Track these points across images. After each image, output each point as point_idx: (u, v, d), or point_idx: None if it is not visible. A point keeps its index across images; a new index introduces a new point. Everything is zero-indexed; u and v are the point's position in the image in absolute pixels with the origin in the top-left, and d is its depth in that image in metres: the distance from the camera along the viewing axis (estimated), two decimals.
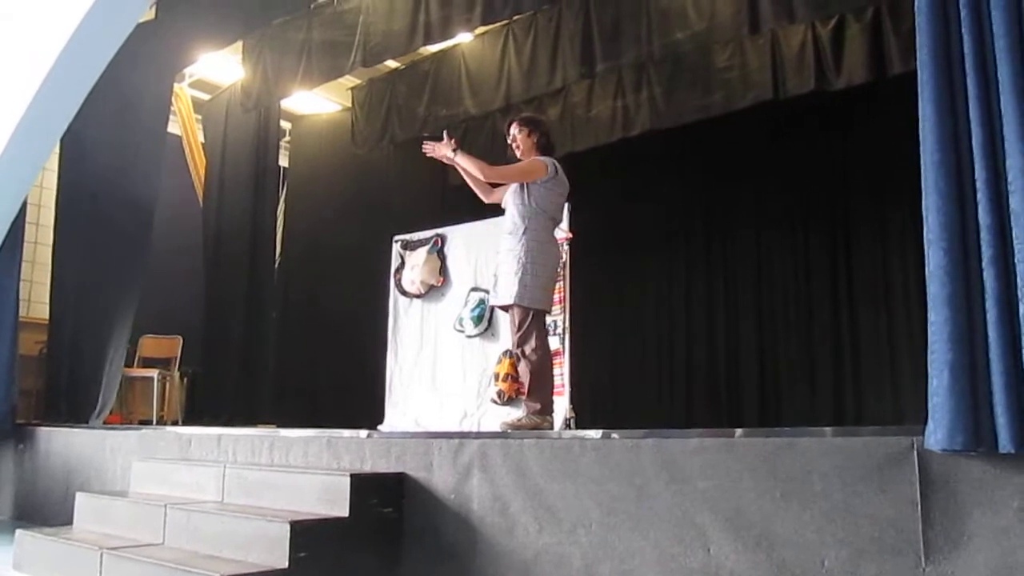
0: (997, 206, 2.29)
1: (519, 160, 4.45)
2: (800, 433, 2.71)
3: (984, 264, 2.29)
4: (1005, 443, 2.19)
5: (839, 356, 7.75)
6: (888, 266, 7.55)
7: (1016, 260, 2.23)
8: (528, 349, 4.19)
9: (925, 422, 2.35)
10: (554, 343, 4.88)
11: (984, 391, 2.26)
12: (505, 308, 4.38)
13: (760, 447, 2.69)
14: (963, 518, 2.29)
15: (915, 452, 2.38)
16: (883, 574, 2.38)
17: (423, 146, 4.46)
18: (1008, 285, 2.25)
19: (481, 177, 4.39)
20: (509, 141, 4.52)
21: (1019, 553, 2.19)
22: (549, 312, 4.51)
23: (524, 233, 4.23)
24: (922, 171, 2.43)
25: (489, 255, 5.33)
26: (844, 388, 7.68)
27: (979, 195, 2.32)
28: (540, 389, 4.24)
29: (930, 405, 2.33)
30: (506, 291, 4.23)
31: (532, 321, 4.20)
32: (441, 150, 4.38)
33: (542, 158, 4.37)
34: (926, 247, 2.40)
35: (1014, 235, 2.24)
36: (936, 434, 2.29)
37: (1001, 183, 2.29)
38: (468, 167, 4.37)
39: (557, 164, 4.39)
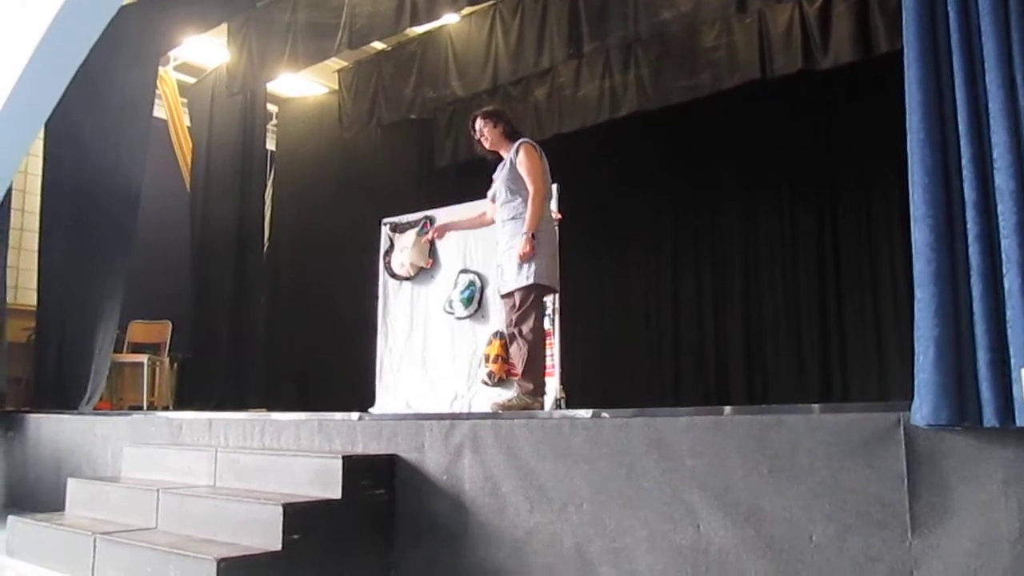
0: (982, 183, 2.30)
1: (486, 151, 4.66)
2: (788, 410, 2.73)
3: (970, 241, 2.30)
4: (990, 418, 2.22)
5: (826, 333, 7.81)
6: (875, 244, 7.59)
7: (1001, 236, 2.24)
8: (526, 329, 4.26)
9: (911, 398, 2.37)
10: (545, 324, 4.91)
11: (969, 366, 2.27)
12: (509, 294, 4.42)
13: (748, 424, 2.71)
14: (948, 492, 2.32)
15: (901, 428, 2.40)
16: (870, 548, 2.41)
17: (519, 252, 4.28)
18: (993, 261, 2.26)
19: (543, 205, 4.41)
20: (476, 137, 4.65)
21: (1003, 526, 2.22)
22: (557, 290, 4.61)
23: None
24: (908, 149, 2.44)
25: (478, 236, 5.34)
26: (831, 365, 7.74)
27: (964, 172, 2.33)
28: (534, 369, 4.31)
29: (916, 381, 2.35)
30: (522, 275, 4.27)
31: (533, 301, 4.30)
32: (526, 250, 4.24)
33: (528, 144, 4.47)
34: (912, 224, 2.41)
35: (999, 212, 2.25)
36: (922, 410, 2.30)
37: (987, 160, 2.30)
38: (536, 214, 4.30)
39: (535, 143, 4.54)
